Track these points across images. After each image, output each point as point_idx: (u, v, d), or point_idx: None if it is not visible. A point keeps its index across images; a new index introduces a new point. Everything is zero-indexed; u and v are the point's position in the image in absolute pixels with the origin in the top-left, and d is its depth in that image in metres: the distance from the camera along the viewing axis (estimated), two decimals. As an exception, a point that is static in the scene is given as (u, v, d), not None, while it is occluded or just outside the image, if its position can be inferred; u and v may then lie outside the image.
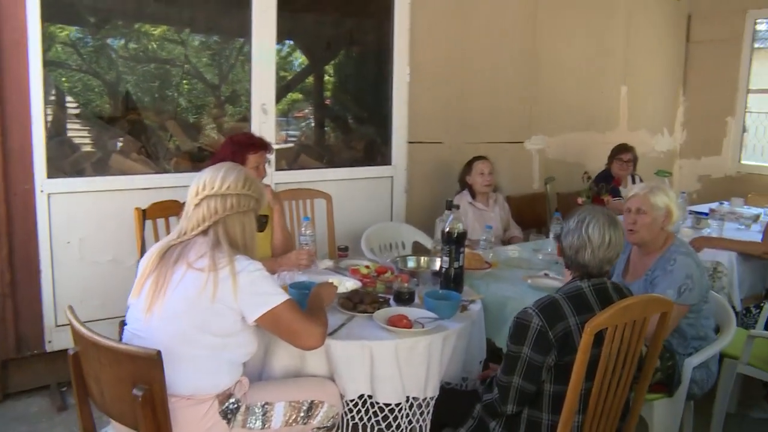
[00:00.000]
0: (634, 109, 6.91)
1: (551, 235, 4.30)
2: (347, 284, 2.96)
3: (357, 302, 2.71)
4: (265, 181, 3.47)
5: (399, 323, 2.51)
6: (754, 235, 4.78)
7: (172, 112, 5.06)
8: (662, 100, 7.40)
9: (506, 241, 4.87)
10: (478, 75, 5.42)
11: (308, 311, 2.37)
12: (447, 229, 2.97)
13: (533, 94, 5.87)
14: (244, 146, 3.31)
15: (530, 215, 5.76)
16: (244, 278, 2.12)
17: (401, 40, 4.91)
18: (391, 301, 2.81)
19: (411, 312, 2.66)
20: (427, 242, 4.57)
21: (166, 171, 4.35)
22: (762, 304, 4.06)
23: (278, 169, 4.54)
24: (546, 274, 3.58)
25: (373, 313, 2.64)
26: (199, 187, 2.22)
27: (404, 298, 2.82)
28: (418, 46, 4.98)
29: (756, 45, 7.19)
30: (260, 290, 2.16)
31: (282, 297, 2.18)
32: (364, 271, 3.14)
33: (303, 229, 3.40)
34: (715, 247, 4.22)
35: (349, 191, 4.81)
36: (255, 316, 2.15)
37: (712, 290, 3.26)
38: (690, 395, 3.02)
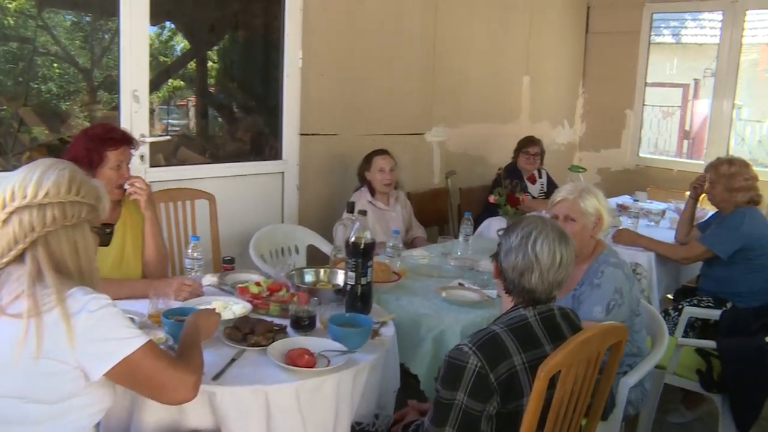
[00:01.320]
0: (536, 100, 6.69)
1: (460, 237, 3.95)
2: (234, 308, 2.46)
3: (247, 332, 2.21)
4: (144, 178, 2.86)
5: (300, 361, 2.05)
6: (663, 231, 4.63)
7: (29, 97, 4.35)
8: (563, 91, 7.23)
9: (409, 243, 4.50)
10: (376, 63, 4.99)
11: (179, 352, 1.86)
12: (352, 240, 2.53)
13: (434, 84, 5.51)
14: (100, 141, 2.65)
15: (432, 212, 5.42)
16: (83, 321, 1.57)
17: (293, 23, 4.41)
18: (289, 329, 2.34)
19: (313, 343, 2.20)
20: (323, 246, 4.12)
21: (15, 167, 3.67)
22: (681, 306, 3.88)
23: (153, 165, 3.95)
24: (461, 284, 3.21)
25: (267, 345, 2.16)
26: (6, 197, 1.63)
27: (303, 324, 2.36)
28: (312, 29, 4.50)
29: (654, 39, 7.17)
30: (107, 335, 1.61)
31: (138, 341, 1.64)
32: (255, 289, 2.64)
33: (189, 250, 2.84)
34: (638, 245, 4.00)
35: (235, 189, 4.28)
36: (101, 370, 1.60)
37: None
38: (624, 416, 2.73)
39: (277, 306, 2.51)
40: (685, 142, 8.69)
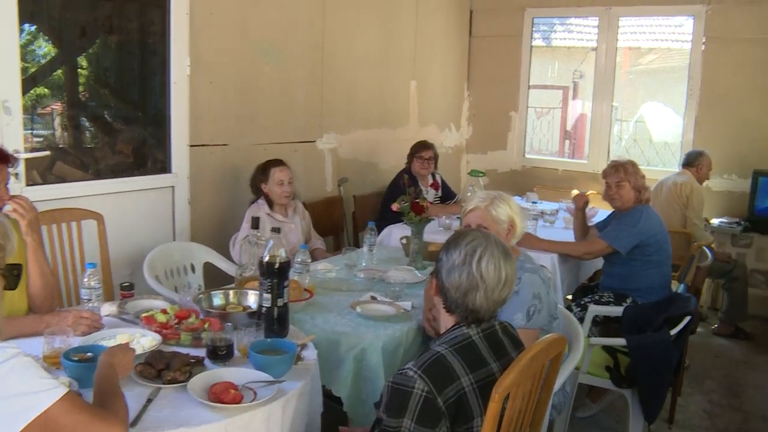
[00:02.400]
0: (423, 104, 6.70)
1: (364, 247, 3.86)
2: (143, 341, 2.25)
3: (162, 368, 2.02)
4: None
5: (225, 396, 1.88)
6: (559, 231, 4.74)
7: None
8: (449, 95, 7.29)
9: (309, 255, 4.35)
10: (266, 69, 4.81)
11: (98, 400, 1.65)
12: (266, 259, 2.37)
13: (323, 91, 5.38)
14: (-28, 162, 2.34)
15: (327, 222, 5.29)
16: None
17: (179, 29, 4.15)
18: (206, 360, 2.16)
19: (236, 375, 2.04)
20: (220, 263, 3.91)
21: None
22: (583, 303, 3.96)
23: (29, 183, 3.60)
24: (373, 297, 3.12)
25: (185, 381, 1.98)
26: None
27: (221, 354, 2.19)
28: (199, 35, 4.26)
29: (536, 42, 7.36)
30: (18, 389, 1.41)
31: (55, 393, 1.45)
32: (162, 318, 2.43)
33: (86, 278, 2.56)
34: (540, 249, 4.05)
35: (122, 207, 3.97)
36: (14, 431, 1.39)
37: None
38: (549, 421, 2.73)
39: (188, 335, 2.32)
40: (566, 142, 8.98)
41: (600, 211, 5.33)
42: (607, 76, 6.81)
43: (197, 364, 2.07)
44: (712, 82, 6.29)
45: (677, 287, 4.17)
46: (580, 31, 8.69)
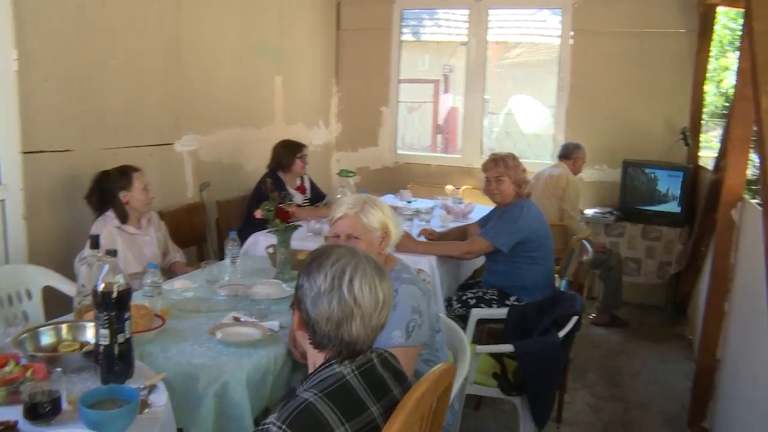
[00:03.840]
0: (290, 101, 6.36)
1: (226, 259, 3.51)
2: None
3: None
4: None
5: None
6: (436, 230, 4.54)
7: None
8: (317, 90, 6.99)
9: (167, 269, 3.95)
10: (113, 63, 4.32)
11: None
12: (101, 288, 1.99)
13: (180, 88, 4.94)
14: None
15: (188, 231, 4.87)
16: None
17: (1, 17, 3.61)
18: (22, 423, 1.76)
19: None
20: (63, 286, 3.41)
21: None
22: (464, 297, 3.80)
23: None
24: (236, 319, 2.78)
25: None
26: None
27: (43, 412, 1.79)
28: (29, 24, 3.73)
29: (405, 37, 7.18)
30: None
31: None
32: (-31, 368, 1.99)
33: None
34: (418, 252, 3.82)
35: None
36: None
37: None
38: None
39: (3, 390, 1.90)
40: (439, 136, 8.92)
41: (477, 206, 5.22)
42: (478, 69, 6.74)
43: (8, 431, 1.67)
44: (581, 74, 6.34)
45: (559, 283, 4.08)
46: (449, 26, 8.66)
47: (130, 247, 3.70)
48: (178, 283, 3.27)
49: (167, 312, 2.76)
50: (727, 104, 6.41)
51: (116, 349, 2.01)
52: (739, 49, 4.13)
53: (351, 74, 7.18)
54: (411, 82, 8.33)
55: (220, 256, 4.44)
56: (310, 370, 1.64)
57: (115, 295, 1.99)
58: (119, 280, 2.01)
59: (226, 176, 5.53)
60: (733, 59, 10.36)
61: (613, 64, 6.23)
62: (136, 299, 2.63)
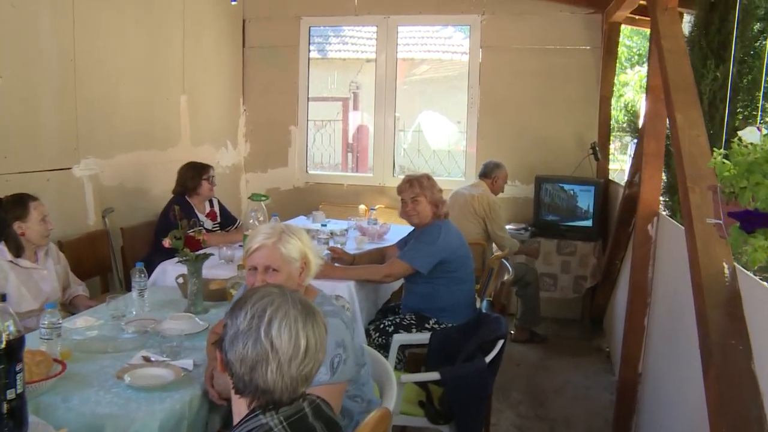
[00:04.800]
0: (196, 120, 6.11)
1: (133, 292, 3.27)
2: None
3: None
4: None
5: None
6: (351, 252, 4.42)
7: None
8: (224, 110, 6.76)
9: (69, 304, 3.68)
10: (3, 85, 4.02)
11: None
12: (-13, 338, 1.77)
13: (78, 108, 4.64)
14: None
15: (91, 261, 4.58)
16: None
17: None
18: None
19: None
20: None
21: None
22: (382, 326, 3.68)
23: None
24: (146, 358, 2.58)
25: None
26: None
27: None
28: None
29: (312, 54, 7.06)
30: None
31: None
32: None
33: None
34: (335, 277, 3.68)
35: None
36: None
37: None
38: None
39: None
40: (349, 155, 8.82)
41: (392, 226, 5.13)
42: (388, 86, 6.69)
43: None
44: (490, 90, 6.38)
45: (480, 303, 4.02)
46: (355, 43, 8.62)
47: (25, 282, 3.41)
48: (81, 321, 3.02)
49: (68, 355, 2.53)
50: (628, 118, 6.58)
51: (4, 408, 1.79)
52: (647, 65, 4.21)
53: (259, 93, 6.98)
54: (320, 100, 8.22)
55: (127, 287, 4.18)
56: (235, 420, 1.49)
57: (2, 345, 1.77)
58: (9, 328, 1.80)
59: (131, 201, 5.25)
60: (631, 75, 10.79)
61: (523, 80, 6.30)
62: (32, 342, 2.40)
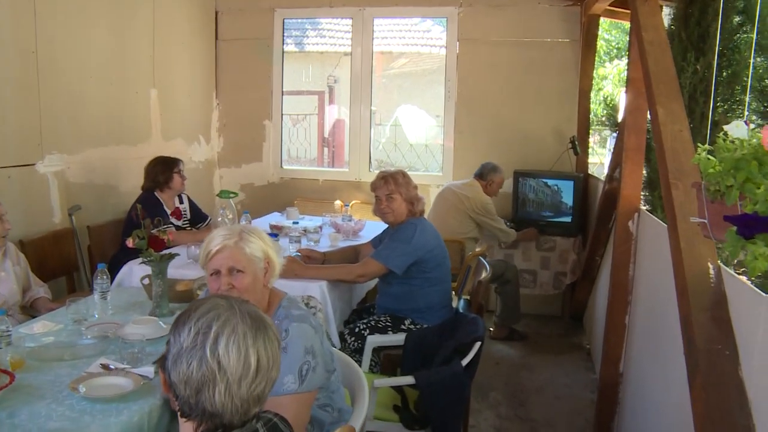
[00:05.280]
0: (167, 115, 5.94)
1: (95, 294, 3.13)
2: None
3: None
4: None
5: None
6: (325, 250, 4.30)
7: None
8: (196, 104, 6.58)
9: (29, 307, 3.53)
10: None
11: None
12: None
13: (41, 102, 4.46)
14: None
15: (57, 260, 4.44)
16: None
17: None
18: None
19: None
20: None
21: None
22: (357, 329, 3.56)
23: None
24: (105, 366, 2.44)
25: None
26: None
27: None
28: None
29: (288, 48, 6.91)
30: None
31: None
32: None
33: None
34: (306, 277, 3.56)
35: None
36: None
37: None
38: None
39: None
40: (325, 149, 8.68)
41: (367, 222, 5.01)
42: (364, 79, 6.55)
43: None
44: (468, 83, 6.27)
45: (456, 302, 3.91)
46: (332, 36, 8.48)
47: (-22, 286, 3.27)
48: (38, 326, 2.86)
49: (20, 364, 2.38)
50: (607, 112, 6.50)
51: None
52: (627, 58, 4.12)
53: (232, 86, 6.82)
54: (295, 94, 8.08)
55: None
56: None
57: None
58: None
59: (100, 198, 5.08)
60: (610, 68, 10.74)
61: (501, 73, 6.19)
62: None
